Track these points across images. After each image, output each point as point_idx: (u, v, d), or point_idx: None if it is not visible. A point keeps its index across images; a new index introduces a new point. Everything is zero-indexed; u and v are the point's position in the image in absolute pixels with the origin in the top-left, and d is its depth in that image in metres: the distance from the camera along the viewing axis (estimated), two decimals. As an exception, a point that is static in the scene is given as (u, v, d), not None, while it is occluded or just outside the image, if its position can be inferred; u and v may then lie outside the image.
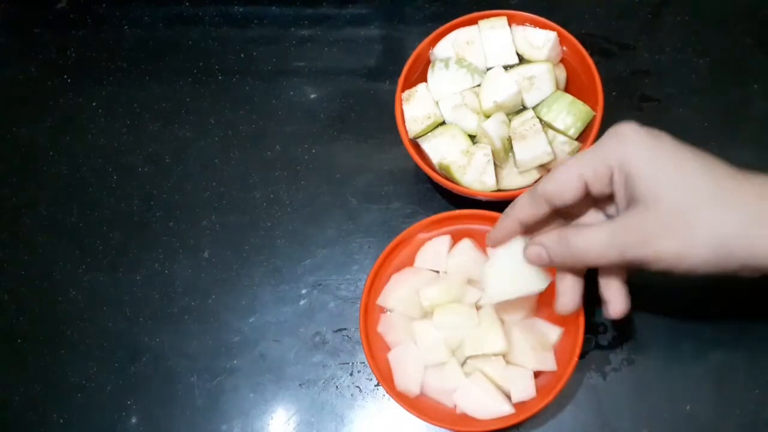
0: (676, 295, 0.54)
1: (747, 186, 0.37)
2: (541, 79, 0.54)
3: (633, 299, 0.54)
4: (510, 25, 0.56)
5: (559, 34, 0.55)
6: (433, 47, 0.57)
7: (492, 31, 0.56)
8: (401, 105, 0.55)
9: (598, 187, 0.41)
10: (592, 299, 0.54)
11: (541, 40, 0.55)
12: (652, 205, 0.38)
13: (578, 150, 0.52)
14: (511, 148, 0.53)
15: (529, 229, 0.45)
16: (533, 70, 0.54)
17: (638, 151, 0.39)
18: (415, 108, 0.55)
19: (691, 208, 0.37)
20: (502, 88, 0.53)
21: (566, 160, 0.43)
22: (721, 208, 0.37)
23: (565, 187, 0.41)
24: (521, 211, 0.44)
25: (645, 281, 0.54)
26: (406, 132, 0.55)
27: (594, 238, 0.40)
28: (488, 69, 0.56)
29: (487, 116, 0.54)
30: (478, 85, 0.55)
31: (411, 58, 0.56)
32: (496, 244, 0.46)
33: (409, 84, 0.57)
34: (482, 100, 0.54)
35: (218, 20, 0.69)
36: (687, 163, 0.38)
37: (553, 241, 0.41)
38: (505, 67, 0.55)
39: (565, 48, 0.56)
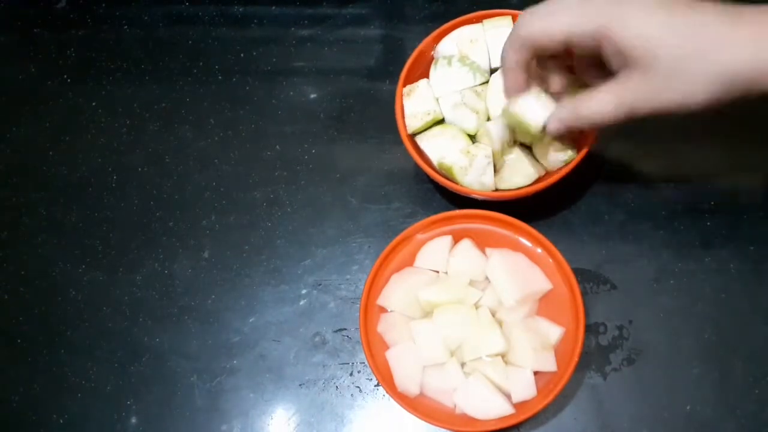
0: (675, 294, 0.54)
1: (740, 22, 0.39)
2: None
3: (633, 297, 0.54)
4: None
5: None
6: (436, 44, 0.57)
7: (496, 30, 0.56)
8: (401, 100, 0.55)
9: (581, 46, 0.43)
10: (592, 299, 0.54)
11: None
12: (651, 64, 0.40)
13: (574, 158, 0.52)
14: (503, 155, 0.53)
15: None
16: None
17: (628, 13, 0.40)
18: (416, 104, 0.55)
19: (687, 59, 0.39)
20: None
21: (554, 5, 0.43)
22: (719, 48, 0.39)
23: (549, 35, 0.43)
24: (509, 60, 0.46)
25: (644, 280, 0.55)
26: (405, 127, 0.55)
27: (603, 104, 0.43)
28: (492, 69, 0.56)
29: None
30: (480, 84, 0.55)
31: (414, 53, 0.56)
32: (513, 94, 0.48)
33: (411, 80, 0.56)
34: (489, 104, 0.54)
35: (218, 20, 0.69)
36: (677, 17, 0.40)
37: (567, 110, 0.45)
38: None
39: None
